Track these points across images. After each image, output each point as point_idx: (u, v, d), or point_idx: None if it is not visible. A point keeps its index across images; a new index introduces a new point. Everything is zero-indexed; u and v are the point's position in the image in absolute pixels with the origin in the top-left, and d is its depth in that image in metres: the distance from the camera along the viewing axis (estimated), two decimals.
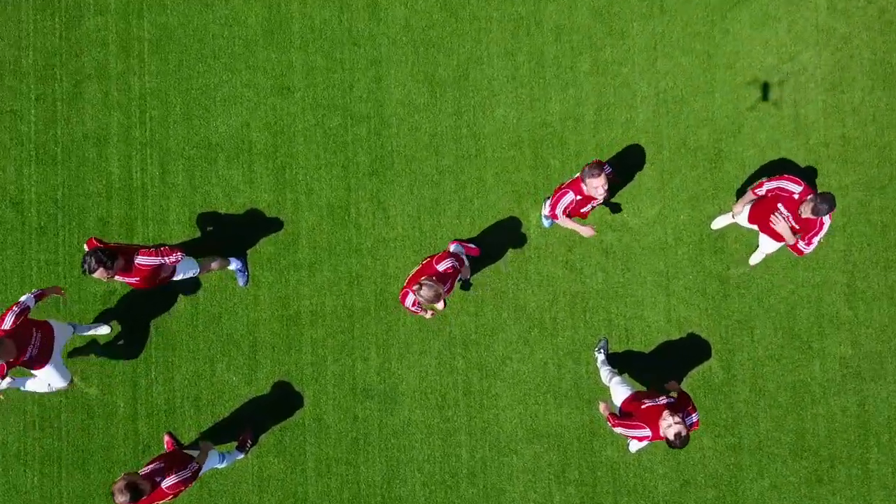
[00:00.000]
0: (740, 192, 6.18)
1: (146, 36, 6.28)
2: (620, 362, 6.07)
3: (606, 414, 5.21)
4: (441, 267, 5.10)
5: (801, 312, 6.16)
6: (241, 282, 6.11)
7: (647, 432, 4.87)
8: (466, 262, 5.64)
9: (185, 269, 5.46)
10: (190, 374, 6.12)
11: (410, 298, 5.10)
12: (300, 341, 6.14)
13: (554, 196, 5.34)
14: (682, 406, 4.99)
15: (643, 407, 4.99)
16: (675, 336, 6.15)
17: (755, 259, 6.09)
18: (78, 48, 6.26)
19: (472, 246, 5.91)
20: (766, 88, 6.23)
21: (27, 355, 4.91)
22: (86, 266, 4.69)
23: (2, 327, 4.79)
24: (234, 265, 5.99)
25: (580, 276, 6.17)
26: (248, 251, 6.16)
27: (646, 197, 6.20)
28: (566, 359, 6.14)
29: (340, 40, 6.30)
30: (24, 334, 4.90)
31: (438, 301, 4.95)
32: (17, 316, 4.83)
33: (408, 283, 5.22)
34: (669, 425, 4.70)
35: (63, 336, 5.30)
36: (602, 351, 6.05)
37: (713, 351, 6.15)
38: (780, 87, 6.22)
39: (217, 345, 6.13)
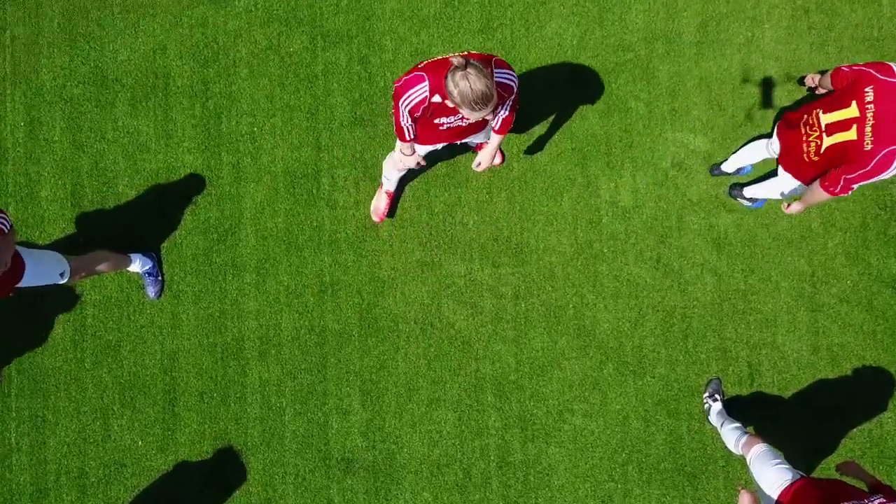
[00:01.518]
0: None
1: None
2: (742, 414, 3.85)
3: None
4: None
5: None
6: (150, 293, 3.91)
7: None
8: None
9: (42, 268, 3.27)
10: (72, 435, 3.92)
11: (421, 88, 2.69)
12: (243, 384, 3.94)
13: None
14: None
15: None
16: (828, 373, 3.95)
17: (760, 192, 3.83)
18: None
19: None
20: None
21: None
22: None
23: None
24: (137, 265, 3.79)
25: (678, 281, 3.97)
26: (163, 245, 3.96)
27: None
28: (658, 410, 3.93)
29: None
30: None
31: (485, 109, 2.52)
32: None
33: (420, 67, 2.77)
34: None
35: None
36: (716, 397, 3.86)
37: (891, 400, 3.94)
38: None
39: (114, 390, 3.93)
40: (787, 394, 3.96)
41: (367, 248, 3.99)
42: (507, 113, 2.93)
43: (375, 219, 3.94)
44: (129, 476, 3.92)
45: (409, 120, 2.86)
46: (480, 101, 2.50)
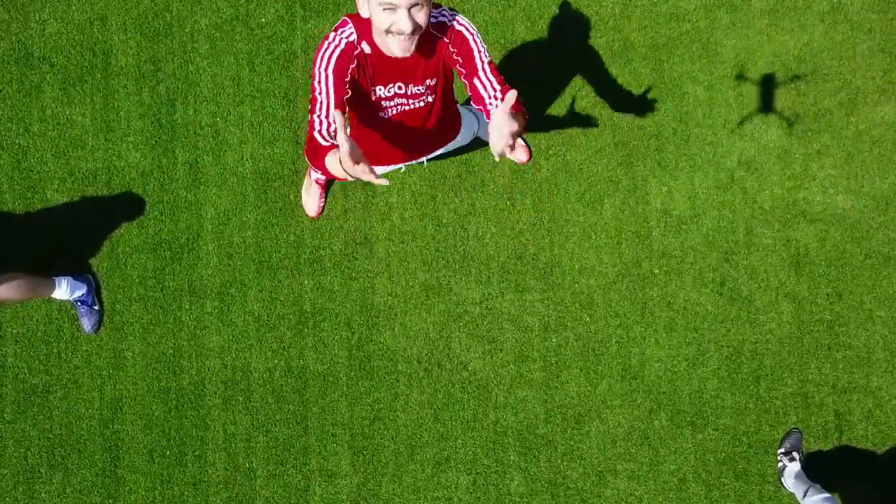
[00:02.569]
0: None
1: None
2: (826, 476, 3.07)
3: None
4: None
5: None
6: (85, 325, 3.11)
7: None
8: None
9: None
10: None
11: (345, 32, 1.90)
12: (203, 439, 3.14)
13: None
14: None
15: None
16: None
17: None
18: None
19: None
20: None
21: None
22: None
23: None
24: (65, 291, 2.99)
25: (748, 309, 3.18)
26: (101, 265, 3.16)
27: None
28: (722, 471, 3.15)
29: None
30: None
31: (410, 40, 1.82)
32: None
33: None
34: None
35: None
36: (794, 456, 3.07)
37: None
38: None
39: (41, 447, 3.14)
40: (883, 449, 3.17)
41: (358, 269, 3.18)
42: (488, 68, 1.94)
43: (311, 214, 3.13)
44: None
45: (335, 98, 1.85)
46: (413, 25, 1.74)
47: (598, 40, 3.25)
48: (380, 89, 1.98)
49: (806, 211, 3.21)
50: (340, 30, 1.91)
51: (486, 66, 1.92)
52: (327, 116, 1.82)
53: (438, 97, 2.09)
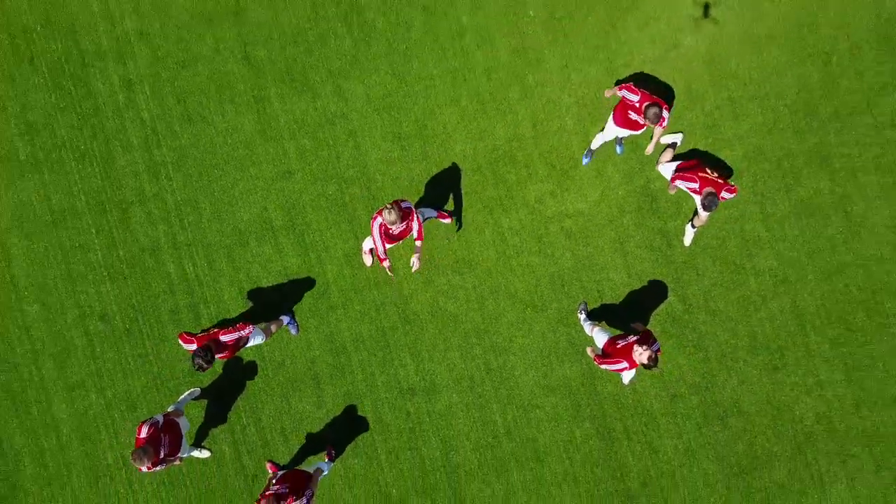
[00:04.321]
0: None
1: (167, 159, 7.80)
2: (598, 316, 7.68)
3: (593, 356, 6.84)
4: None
5: (730, 243, 7.75)
6: (293, 331, 7.67)
7: (625, 364, 6.48)
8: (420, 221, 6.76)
9: (255, 338, 7.00)
10: (272, 412, 7.71)
11: (378, 222, 6.53)
12: (350, 366, 7.72)
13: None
14: (646, 339, 6.58)
15: (618, 346, 6.60)
16: (637, 286, 7.75)
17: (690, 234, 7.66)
18: (117, 182, 7.78)
19: (445, 212, 7.58)
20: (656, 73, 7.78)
21: (160, 454, 6.42)
22: (196, 367, 6.21)
23: (140, 436, 6.33)
24: (285, 320, 7.55)
25: (552, 259, 7.75)
26: (294, 307, 7.73)
27: (588, 184, 7.76)
28: (558, 325, 7.73)
29: (319, 123, 7.82)
30: (155, 439, 6.42)
31: (399, 224, 6.40)
32: (150, 427, 6.37)
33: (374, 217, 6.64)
34: (640, 354, 6.31)
35: (184, 429, 6.83)
36: (583, 311, 7.64)
37: (669, 290, 7.75)
38: (669, 68, 7.77)
39: (287, 384, 7.72)
40: (619, 301, 7.74)
41: (393, 282, 7.83)
42: (418, 227, 6.72)
43: (367, 265, 7.74)
44: (306, 425, 7.76)
45: (382, 245, 6.70)
46: (395, 220, 6.36)
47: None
48: (379, 223, 6.67)
49: None
50: (378, 218, 6.55)
51: (419, 230, 6.64)
52: (383, 254, 6.62)
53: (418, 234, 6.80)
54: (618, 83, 7.51)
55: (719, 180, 6.93)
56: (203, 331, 6.79)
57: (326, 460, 7.51)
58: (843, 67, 7.72)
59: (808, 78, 7.73)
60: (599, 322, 7.56)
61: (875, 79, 7.72)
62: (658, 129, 7.01)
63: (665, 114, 6.83)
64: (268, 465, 7.64)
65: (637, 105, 6.89)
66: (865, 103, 7.72)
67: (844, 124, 7.71)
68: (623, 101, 6.99)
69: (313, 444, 7.68)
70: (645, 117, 6.79)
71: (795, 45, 7.73)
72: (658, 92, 7.66)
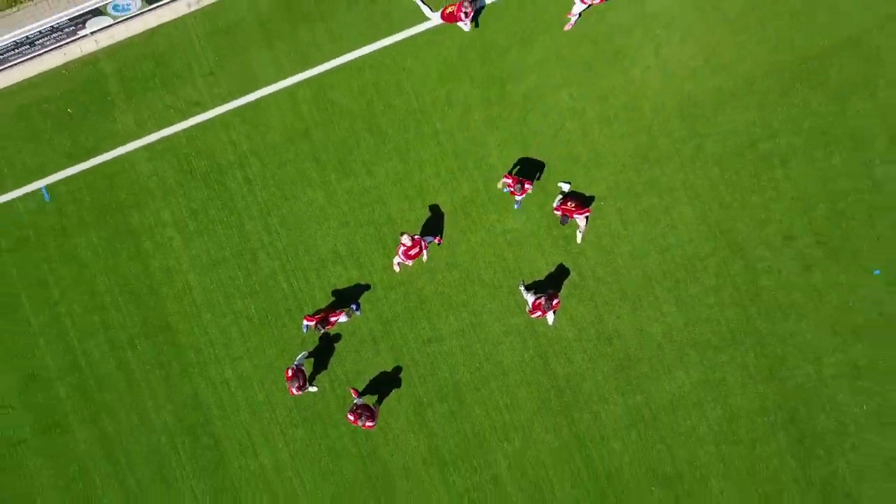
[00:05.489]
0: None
1: (276, 221, 13.44)
2: (530, 287, 13.35)
3: (527, 311, 12.62)
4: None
5: (603, 237, 13.46)
6: (358, 313, 13.32)
7: (542, 313, 12.23)
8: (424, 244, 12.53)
9: (342, 318, 12.65)
10: (351, 360, 13.37)
11: (401, 249, 12.17)
12: (392, 330, 13.37)
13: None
14: (551, 297, 12.26)
15: (539, 303, 12.31)
16: (552, 268, 13.43)
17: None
18: (246, 238, 13.43)
19: (437, 237, 13.20)
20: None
21: (300, 383, 12.19)
22: (317, 330, 12.20)
23: (288, 375, 12.15)
24: (353, 307, 13.18)
25: (500, 258, 13.42)
26: (359, 299, 13.38)
27: (519, 217, 13.40)
28: (509, 295, 13.40)
29: (361, 191, 13.44)
30: (296, 376, 12.20)
31: (413, 249, 11.96)
32: (291, 370, 12.17)
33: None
34: (543, 304, 12.10)
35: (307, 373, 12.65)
36: (522, 285, 13.26)
37: (570, 269, 13.45)
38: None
39: (359, 344, 13.37)
40: (544, 276, 13.51)
41: (414, 286, 13.60)
42: (424, 246, 12.58)
43: (396, 271, 13.44)
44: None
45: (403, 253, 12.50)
46: (409, 244, 12.18)
47: None
48: (402, 247, 12.42)
49: None
50: (400, 247, 12.31)
51: (424, 248, 12.43)
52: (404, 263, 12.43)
53: (422, 250, 12.56)
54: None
55: (574, 208, 12.63)
56: (315, 313, 12.49)
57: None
58: None
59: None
60: (530, 290, 13.24)
61: None
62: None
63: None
64: (351, 391, 13.31)
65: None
66: None
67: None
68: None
69: (371, 369, 13.38)
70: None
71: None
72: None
